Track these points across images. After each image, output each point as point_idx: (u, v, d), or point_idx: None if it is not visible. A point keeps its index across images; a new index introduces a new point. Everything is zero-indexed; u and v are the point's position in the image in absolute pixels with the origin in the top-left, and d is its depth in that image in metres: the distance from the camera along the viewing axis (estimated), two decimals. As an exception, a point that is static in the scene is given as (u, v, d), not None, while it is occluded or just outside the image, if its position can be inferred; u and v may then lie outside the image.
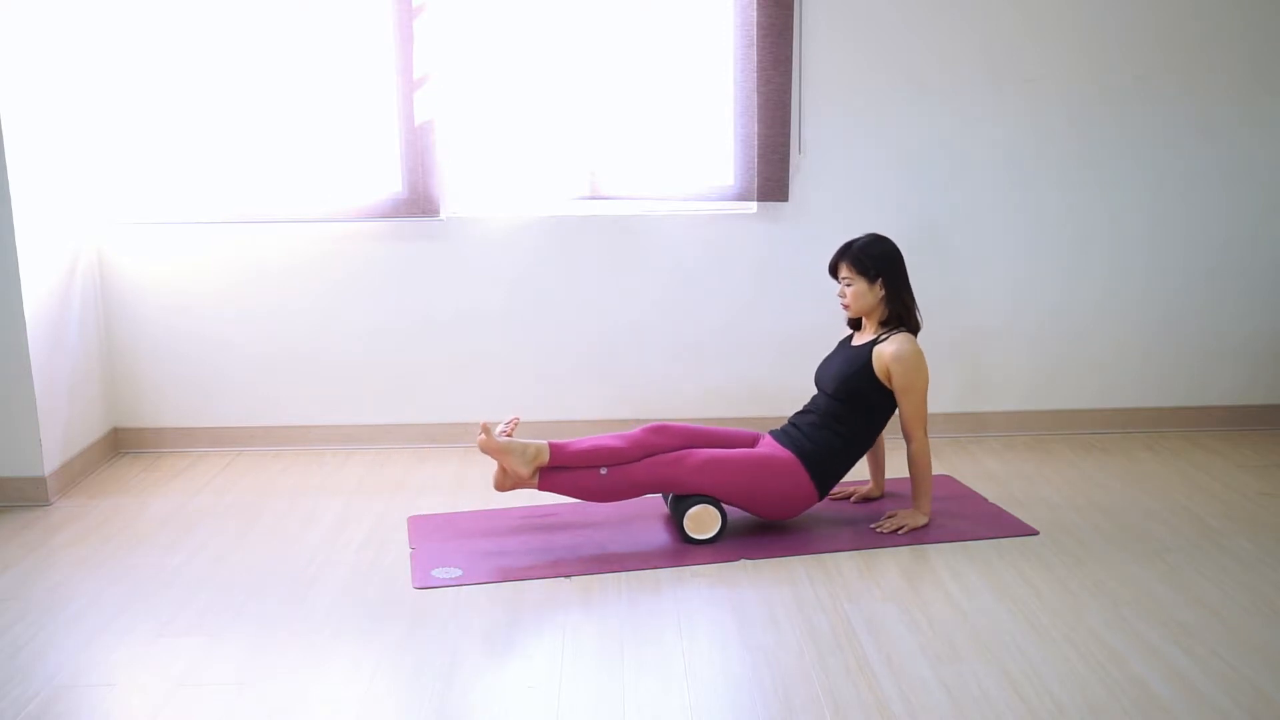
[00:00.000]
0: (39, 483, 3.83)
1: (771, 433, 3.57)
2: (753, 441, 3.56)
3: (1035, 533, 3.44)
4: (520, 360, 4.42)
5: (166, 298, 4.34)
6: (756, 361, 4.41)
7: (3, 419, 3.81)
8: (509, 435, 3.36)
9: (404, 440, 4.43)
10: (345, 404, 4.43)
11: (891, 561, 3.25)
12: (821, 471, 3.42)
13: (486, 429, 3.28)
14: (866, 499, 3.73)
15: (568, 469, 3.32)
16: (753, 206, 4.32)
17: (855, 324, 3.62)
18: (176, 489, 3.99)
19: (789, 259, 4.35)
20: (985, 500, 3.73)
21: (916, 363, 3.40)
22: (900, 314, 3.48)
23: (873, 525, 3.49)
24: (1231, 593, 2.99)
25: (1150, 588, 3.03)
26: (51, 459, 3.89)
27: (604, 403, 4.43)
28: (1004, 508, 3.65)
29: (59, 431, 3.96)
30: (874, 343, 3.46)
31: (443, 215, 4.27)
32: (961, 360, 4.46)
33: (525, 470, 3.30)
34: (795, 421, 3.55)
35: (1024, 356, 4.48)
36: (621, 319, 4.41)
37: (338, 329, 4.38)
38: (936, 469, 4.03)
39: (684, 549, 3.34)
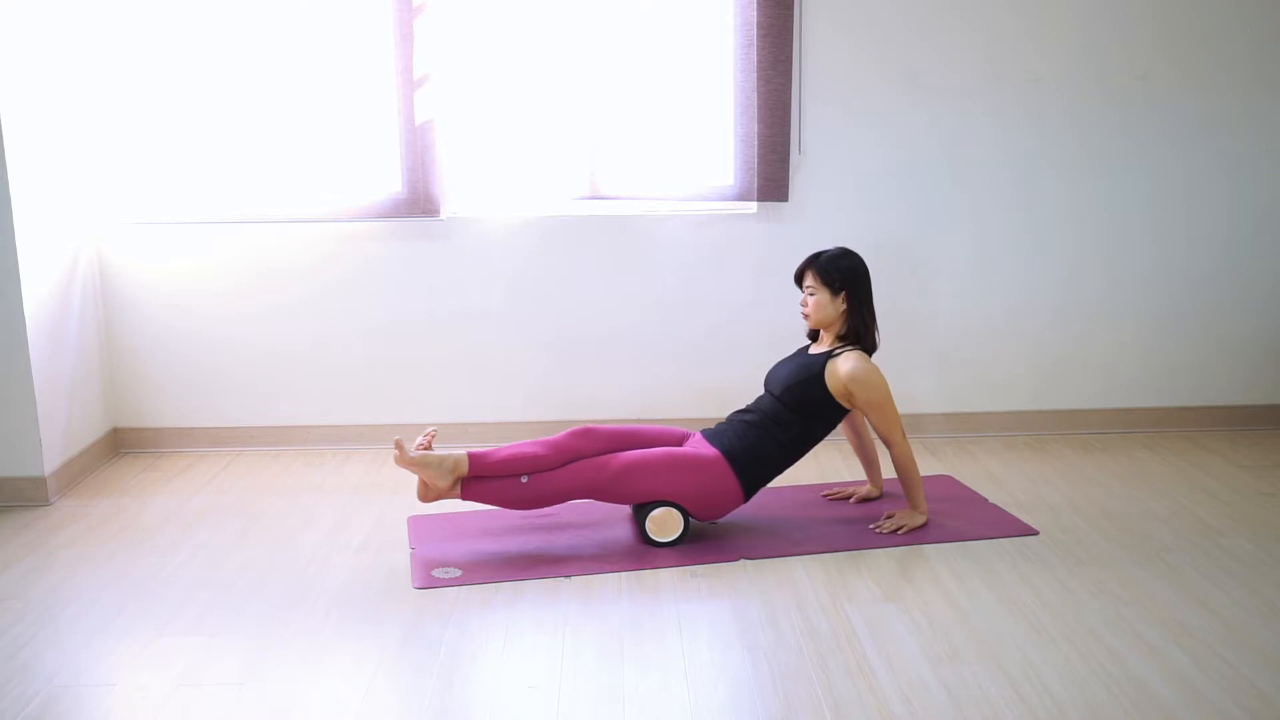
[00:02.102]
0: (39, 483, 3.83)
1: (704, 431, 3.54)
2: (681, 440, 3.54)
3: (1035, 533, 3.43)
4: (520, 360, 4.42)
5: (166, 298, 4.34)
6: (756, 361, 4.39)
7: (3, 419, 3.81)
8: (427, 448, 3.33)
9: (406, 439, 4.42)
10: (345, 404, 4.43)
11: (891, 561, 3.25)
12: (749, 472, 3.38)
13: (400, 445, 3.24)
14: (866, 499, 3.73)
15: (489, 479, 3.30)
16: (753, 206, 4.32)
17: (814, 334, 3.62)
18: (176, 489, 3.99)
19: (789, 259, 4.33)
20: (985, 500, 3.73)
21: (874, 378, 3.39)
22: (859, 330, 3.47)
23: (872, 525, 3.49)
24: (1232, 593, 2.99)
25: (1150, 588, 3.03)
26: (51, 459, 3.89)
27: (603, 402, 4.43)
28: (1004, 508, 3.65)
29: (59, 431, 3.96)
30: (828, 355, 3.45)
31: (443, 215, 4.27)
32: (962, 360, 4.46)
33: (444, 483, 3.28)
34: (731, 419, 3.53)
35: (1024, 356, 4.48)
36: (621, 319, 4.41)
37: (338, 329, 4.39)
38: (937, 469, 4.04)
39: (684, 549, 3.33)
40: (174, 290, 4.34)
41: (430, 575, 3.18)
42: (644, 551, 3.33)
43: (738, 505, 3.42)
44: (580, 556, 3.31)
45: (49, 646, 2.80)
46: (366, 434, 4.44)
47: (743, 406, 3.60)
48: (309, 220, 4.29)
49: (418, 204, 4.25)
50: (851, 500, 3.74)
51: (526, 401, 4.43)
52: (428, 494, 3.33)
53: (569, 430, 3.43)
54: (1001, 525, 3.50)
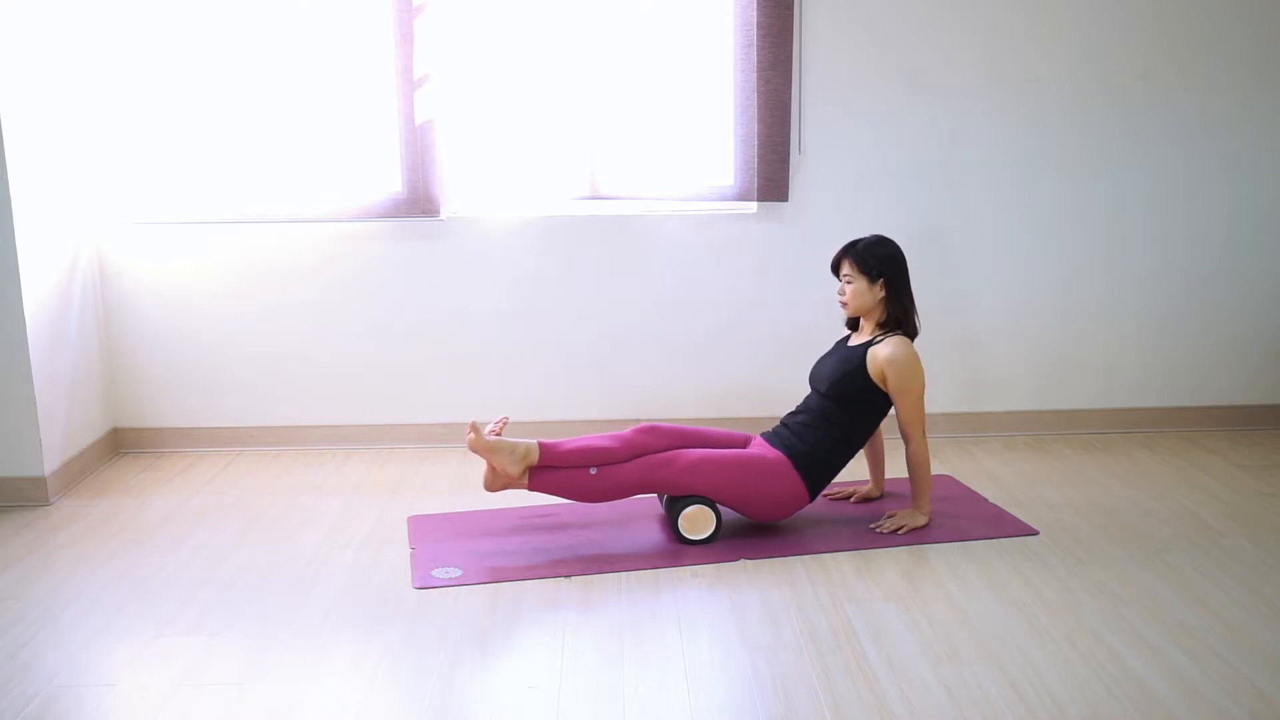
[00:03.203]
0: (39, 483, 3.83)
1: (763, 434, 3.56)
2: (744, 443, 3.55)
3: (1035, 533, 3.44)
4: (520, 360, 4.42)
5: (166, 298, 4.34)
6: (757, 361, 4.41)
7: (3, 419, 3.81)
8: (498, 434, 3.35)
9: (404, 440, 4.43)
10: (345, 404, 4.43)
11: (891, 561, 3.25)
12: (812, 472, 3.41)
13: (475, 428, 3.27)
14: (866, 499, 3.73)
15: (557, 469, 3.31)
16: (753, 206, 4.32)
17: (853, 324, 3.62)
18: (176, 489, 3.99)
19: (789, 259, 4.35)
20: (985, 500, 3.73)
21: (911, 365, 3.40)
22: (899, 317, 3.48)
23: (872, 525, 3.49)
24: (1231, 593, 2.99)
25: (1150, 588, 3.03)
26: (51, 459, 3.89)
27: (604, 403, 4.43)
28: (1004, 508, 3.65)
29: (59, 431, 3.96)
30: (869, 344, 3.46)
31: (443, 215, 4.27)
32: (962, 360, 4.46)
33: (515, 470, 3.29)
34: (786, 422, 3.55)
35: (1024, 356, 4.48)
36: (621, 319, 4.41)
37: (338, 329, 4.38)
38: (936, 469, 4.03)
39: (683, 549, 3.34)
40: (174, 290, 4.34)
41: (430, 575, 3.18)
42: (643, 551, 3.33)
43: (804, 505, 3.44)
44: (580, 556, 3.31)
45: (49, 646, 2.80)
46: (366, 434, 4.44)
47: (793, 409, 3.60)
48: (309, 220, 4.29)
49: (418, 204, 4.25)
50: (852, 500, 3.74)
51: (527, 401, 4.43)
52: (495, 482, 3.33)
53: (635, 426, 3.45)
54: (1001, 525, 3.50)
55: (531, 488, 3.33)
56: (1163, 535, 3.41)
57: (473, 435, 3.27)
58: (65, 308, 4.06)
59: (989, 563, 3.22)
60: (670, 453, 3.36)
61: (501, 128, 4.28)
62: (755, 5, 4.10)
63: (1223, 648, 2.69)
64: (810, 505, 3.67)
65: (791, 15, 4.12)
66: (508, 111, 4.27)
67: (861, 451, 3.86)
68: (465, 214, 4.32)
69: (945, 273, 4.38)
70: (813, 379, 3.59)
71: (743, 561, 3.26)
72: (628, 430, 3.43)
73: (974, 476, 3.99)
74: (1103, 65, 4.26)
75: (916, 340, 3.57)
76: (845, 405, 3.44)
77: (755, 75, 4.15)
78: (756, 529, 3.48)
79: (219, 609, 3.00)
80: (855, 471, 4.01)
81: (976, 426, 4.51)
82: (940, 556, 3.28)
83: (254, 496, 3.89)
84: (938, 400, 4.45)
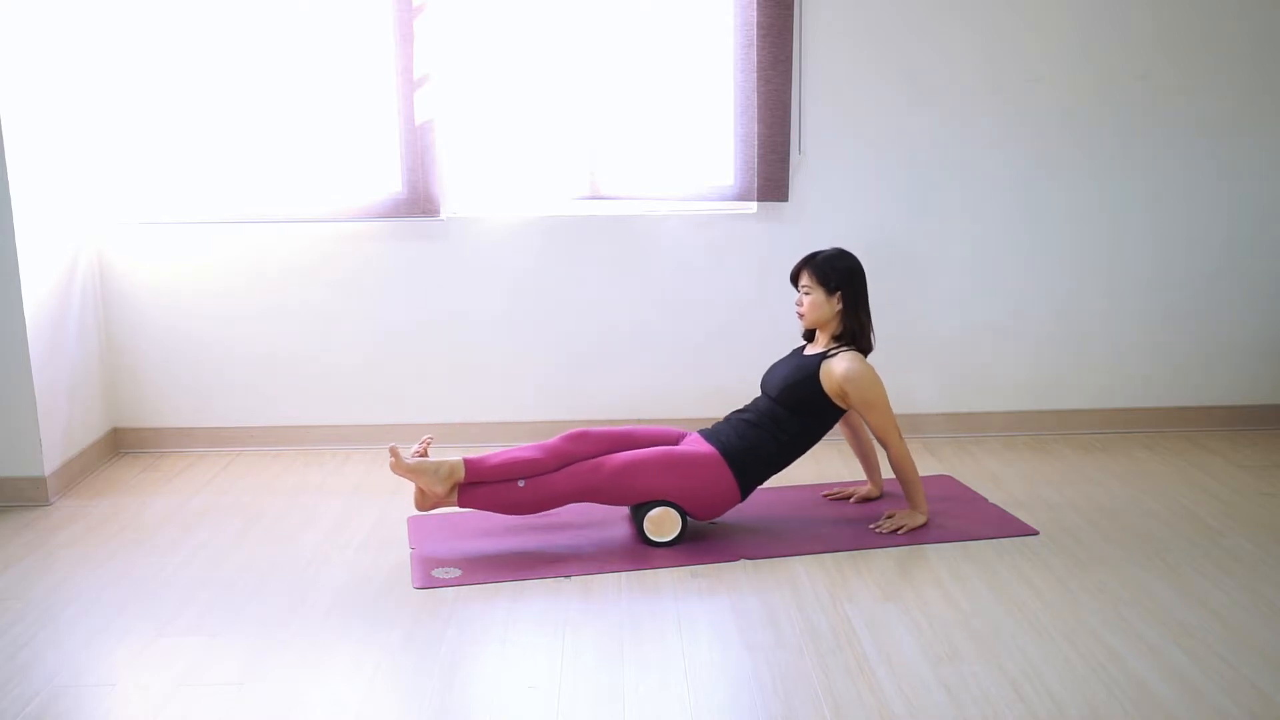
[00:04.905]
0: (39, 483, 3.83)
1: (700, 431, 3.54)
2: (677, 440, 3.53)
3: (1035, 533, 3.44)
4: (520, 360, 4.42)
5: (166, 298, 4.34)
6: (757, 361, 4.39)
7: (3, 419, 3.81)
8: (423, 454, 3.31)
9: (404, 440, 4.41)
10: (345, 404, 4.43)
11: (891, 561, 3.25)
12: (745, 470, 3.37)
13: (395, 452, 3.23)
14: (866, 499, 3.73)
15: (485, 484, 3.28)
16: (753, 206, 4.32)
17: (809, 335, 3.63)
18: (176, 489, 3.99)
19: (789, 259, 4.32)
20: (985, 500, 3.73)
21: (870, 378, 3.39)
22: (854, 330, 3.47)
23: (872, 525, 3.48)
24: (1231, 593, 2.99)
25: (1150, 588, 3.03)
26: (51, 459, 3.89)
27: (604, 403, 4.43)
28: (1004, 508, 3.65)
29: (59, 431, 3.96)
30: (823, 356, 3.45)
31: (443, 215, 4.28)
32: (962, 360, 4.46)
33: (441, 489, 3.26)
34: (729, 419, 3.53)
35: (1025, 356, 4.47)
36: (622, 319, 4.41)
37: (337, 329, 4.38)
38: (937, 469, 4.04)
39: (684, 549, 3.33)
40: (174, 290, 4.34)
41: (430, 575, 3.18)
42: (644, 551, 3.33)
43: (735, 504, 3.41)
44: (580, 556, 3.31)
45: (49, 646, 2.80)
46: (366, 434, 4.44)
47: (739, 408, 3.60)
48: (309, 220, 4.29)
49: (418, 204, 4.25)
50: (851, 500, 3.74)
51: (526, 402, 4.43)
52: (424, 502, 3.31)
53: (563, 434, 3.43)
54: (1001, 525, 3.50)
55: (461, 504, 3.30)
56: (1163, 535, 3.41)
57: (393, 459, 3.23)
58: (65, 308, 4.06)
59: (989, 563, 3.22)
60: (598, 459, 3.33)
61: (501, 128, 4.28)
62: (755, 5, 4.10)
63: (1223, 648, 2.69)
64: (811, 505, 3.68)
65: (791, 15, 4.12)
66: (508, 111, 4.27)
67: (853, 455, 3.87)
68: (465, 214, 4.32)
69: (945, 273, 4.38)
70: (764, 384, 3.58)
71: (743, 561, 3.26)
72: (555, 439, 3.41)
73: (974, 476, 3.99)
74: (1103, 65, 4.26)
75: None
76: (793, 411, 3.43)
77: (755, 75, 4.15)
78: (757, 529, 3.48)
79: (219, 609, 3.00)
80: (854, 471, 4.01)
81: (976, 426, 4.51)
82: (940, 556, 3.28)
83: (254, 496, 3.89)
84: (937, 400, 4.46)
